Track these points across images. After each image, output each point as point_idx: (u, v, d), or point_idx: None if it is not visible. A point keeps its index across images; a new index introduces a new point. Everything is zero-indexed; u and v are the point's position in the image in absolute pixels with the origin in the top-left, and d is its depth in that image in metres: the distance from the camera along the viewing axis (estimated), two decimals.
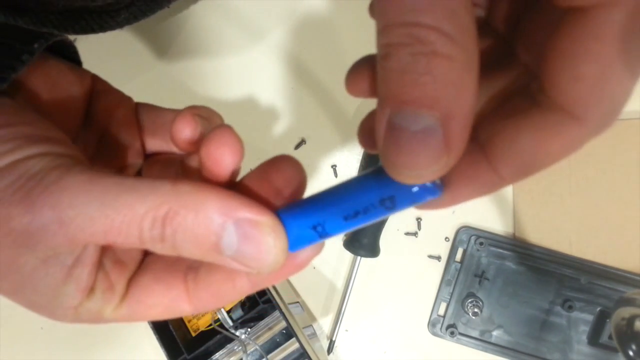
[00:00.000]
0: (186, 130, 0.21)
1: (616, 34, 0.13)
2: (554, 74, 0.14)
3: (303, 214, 0.18)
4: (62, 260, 0.17)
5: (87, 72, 0.24)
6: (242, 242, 0.17)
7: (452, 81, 0.13)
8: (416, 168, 0.14)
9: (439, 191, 0.16)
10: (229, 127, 0.18)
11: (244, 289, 0.19)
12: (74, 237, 0.16)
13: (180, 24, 0.52)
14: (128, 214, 0.16)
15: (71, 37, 0.24)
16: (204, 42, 0.52)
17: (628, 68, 0.13)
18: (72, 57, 0.23)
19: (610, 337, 0.45)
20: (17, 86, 0.20)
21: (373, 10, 0.14)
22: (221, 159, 0.18)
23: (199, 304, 0.20)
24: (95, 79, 0.24)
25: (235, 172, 0.19)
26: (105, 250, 0.19)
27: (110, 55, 0.51)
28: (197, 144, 0.21)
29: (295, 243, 0.18)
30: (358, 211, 0.17)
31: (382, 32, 0.14)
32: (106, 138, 0.24)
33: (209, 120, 0.21)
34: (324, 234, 0.17)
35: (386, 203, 0.16)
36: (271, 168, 0.18)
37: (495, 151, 0.16)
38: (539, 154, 0.15)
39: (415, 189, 0.16)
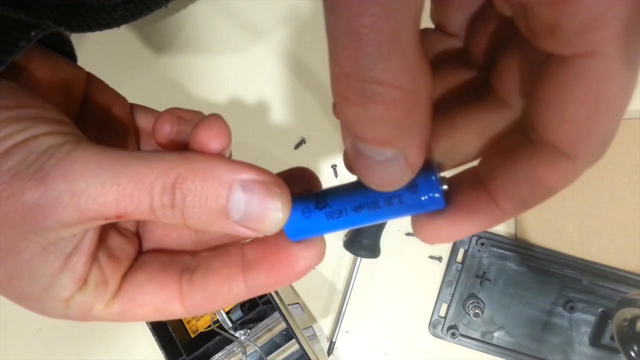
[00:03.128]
0: (165, 128, 0.21)
1: (599, 81, 0.13)
2: (542, 116, 0.15)
3: (309, 195, 0.19)
4: (61, 247, 0.17)
5: (82, 69, 0.24)
6: (248, 201, 0.17)
7: (407, 125, 0.15)
8: (385, 187, 0.16)
9: (443, 202, 0.17)
10: (217, 115, 0.19)
11: (240, 294, 0.20)
12: (85, 209, 0.16)
13: (179, 23, 0.51)
14: (139, 181, 0.17)
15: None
16: (202, 41, 0.51)
17: (613, 108, 0.14)
18: (67, 52, 0.23)
19: (612, 338, 0.45)
20: (16, 74, 0.20)
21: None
22: (208, 142, 0.18)
23: (192, 306, 0.20)
24: (90, 77, 0.24)
25: None
26: (100, 243, 0.19)
27: (106, 55, 0.51)
28: (177, 142, 0.22)
29: (297, 222, 0.18)
30: (363, 204, 0.18)
31: (337, 78, 0.14)
32: (101, 137, 0.24)
33: (191, 122, 0.22)
34: (330, 213, 0.18)
35: (393, 200, 0.18)
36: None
37: (495, 187, 0.17)
38: (536, 189, 0.16)
39: (423, 197, 0.17)
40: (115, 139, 0.24)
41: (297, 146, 0.51)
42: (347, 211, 0.18)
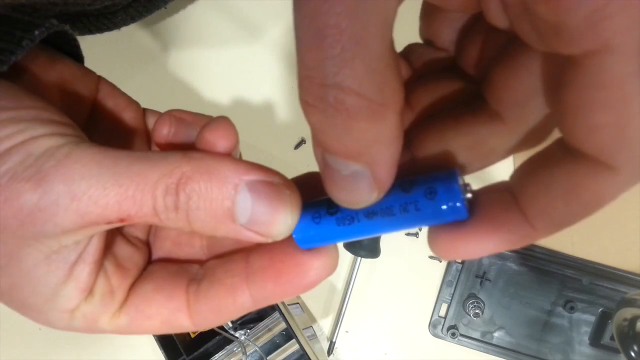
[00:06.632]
0: (163, 129, 0.21)
1: (620, 79, 0.12)
2: (570, 127, 0.13)
3: (321, 200, 0.18)
4: (65, 256, 0.17)
5: (92, 72, 0.24)
6: (255, 204, 0.16)
7: (373, 138, 0.14)
8: (350, 204, 0.16)
9: (466, 212, 0.16)
10: (225, 117, 0.19)
11: (245, 305, 0.19)
12: (86, 212, 0.16)
13: (178, 24, 0.51)
14: (141, 181, 0.16)
15: None
16: (202, 42, 0.51)
17: None
18: (74, 52, 0.23)
19: (612, 338, 0.45)
20: (21, 74, 0.20)
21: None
22: (215, 142, 0.18)
23: (199, 318, 0.19)
24: (101, 80, 0.24)
25: None
26: (107, 252, 0.19)
27: (104, 56, 0.51)
28: (175, 144, 0.21)
29: (307, 228, 0.17)
30: (376, 210, 0.17)
31: (300, 81, 0.13)
32: (112, 142, 0.23)
33: (192, 124, 0.22)
34: (341, 219, 0.17)
35: (409, 207, 0.16)
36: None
37: (527, 200, 0.15)
38: (573, 204, 0.14)
39: (443, 206, 0.16)
40: (126, 144, 0.23)
41: (297, 146, 0.51)
42: (359, 217, 0.17)
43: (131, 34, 0.51)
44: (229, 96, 0.51)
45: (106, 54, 0.51)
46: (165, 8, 0.41)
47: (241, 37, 0.51)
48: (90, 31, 0.32)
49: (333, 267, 0.18)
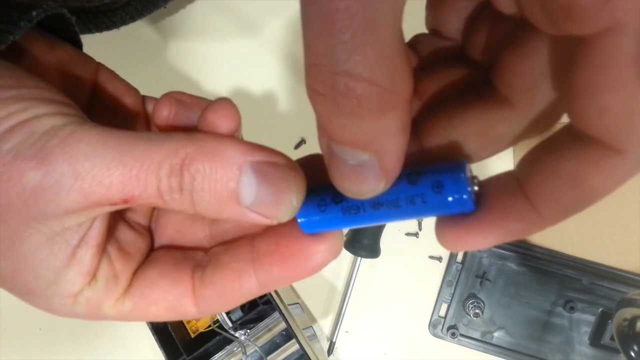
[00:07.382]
0: (163, 111, 0.21)
1: (631, 58, 0.12)
2: (579, 109, 0.13)
3: (326, 186, 0.18)
4: (67, 238, 0.17)
5: (91, 57, 0.23)
6: (260, 185, 0.16)
7: (382, 127, 0.14)
8: (357, 195, 0.16)
9: (472, 205, 0.16)
10: (227, 99, 0.18)
11: (251, 289, 0.19)
12: (89, 192, 0.16)
13: (178, 23, 0.51)
14: (146, 161, 0.16)
15: None
16: (201, 41, 0.51)
17: None
18: (72, 38, 0.23)
19: (612, 338, 0.45)
20: (21, 57, 0.20)
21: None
22: (218, 122, 0.18)
23: (204, 304, 0.19)
24: (100, 66, 0.24)
25: None
26: (110, 236, 0.19)
27: (106, 55, 0.51)
28: (175, 126, 0.21)
29: (312, 215, 0.18)
30: (382, 202, 0.17)
31: (309, 69, 0.13)
32: (112, 125, 0.23)
33: (192, 106, 0.21)
34: (347, 208, 0.17)
35: (416, 199, 0.16)
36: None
37: (533, 186, 0.15)
38: (579, 189, 0.14)
39: (449, 198, 0.16)
40: (127, 127, 0.23)
41: (297, 146, 0.51)
42: (364, 208, 0.17)
43: (130, 33, 0.51)
44: (228, 96, 0.51)
45: (105, 52, 0.51)
46: (165, 7, 0.41)
47: (241, 37, 0.51)
48: (89, 30, 0.32)
49: (338, 250, 0.18)
